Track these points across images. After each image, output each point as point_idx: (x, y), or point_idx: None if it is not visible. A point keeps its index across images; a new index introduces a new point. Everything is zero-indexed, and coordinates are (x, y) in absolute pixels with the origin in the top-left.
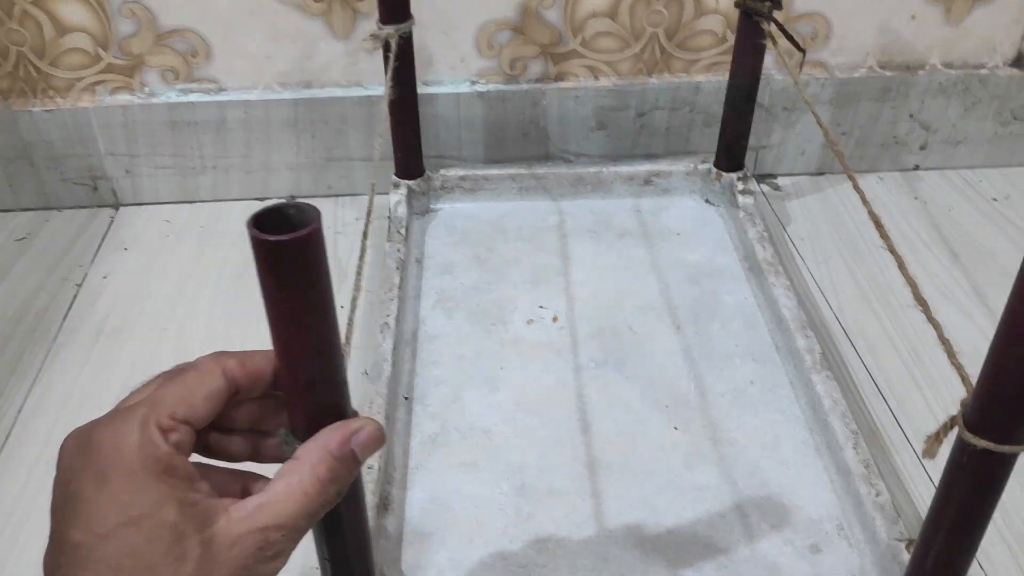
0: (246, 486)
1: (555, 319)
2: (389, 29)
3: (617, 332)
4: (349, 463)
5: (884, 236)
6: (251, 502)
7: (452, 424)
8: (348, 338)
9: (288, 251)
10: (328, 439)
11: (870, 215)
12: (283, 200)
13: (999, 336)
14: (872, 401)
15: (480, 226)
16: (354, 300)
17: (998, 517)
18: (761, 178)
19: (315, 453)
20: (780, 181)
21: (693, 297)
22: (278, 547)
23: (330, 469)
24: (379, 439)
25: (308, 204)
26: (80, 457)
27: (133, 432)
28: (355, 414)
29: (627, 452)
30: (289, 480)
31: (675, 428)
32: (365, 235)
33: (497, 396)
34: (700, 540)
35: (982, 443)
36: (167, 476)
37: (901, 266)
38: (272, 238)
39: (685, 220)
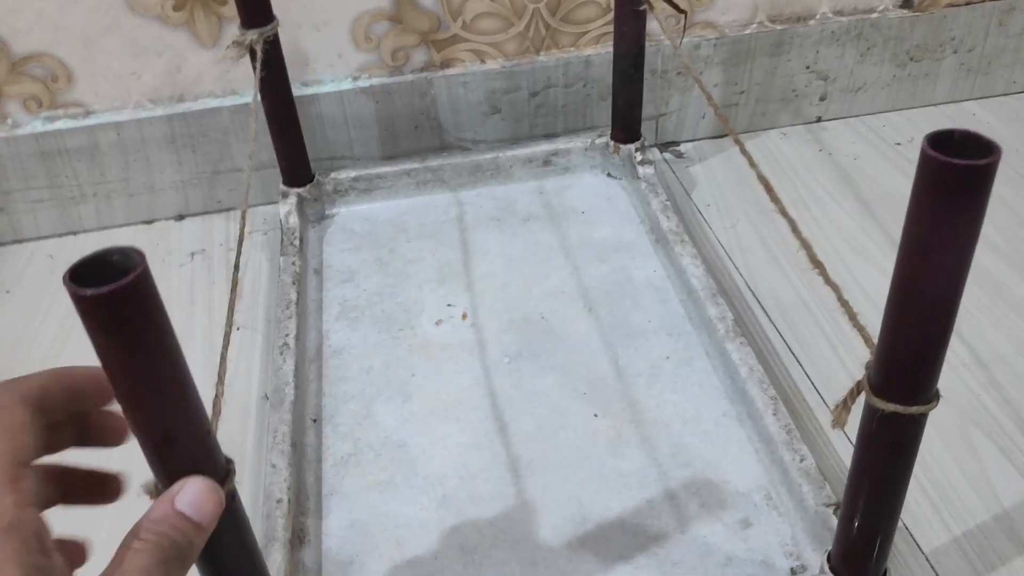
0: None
1: (464, 316)
2: (252, 34)
3: (529, 322)
4: (185, 528)
5: (775, 200)
6: None
7: (365, 442)
8: (221, 376)
9: (112, 303)
10: (152, 510)
11: (759, 179)
12: (106, 248)
13: (892, 294)
14: (789, 365)
15: (379, 227)
16: (227, 336)
17: (919, 472)
18: (664, 146)
19: (144, 524)
20: (683, 147)
21: (603, 276)
22: None
23: (159, 538)
24: (205, 490)
25: (133, 248)
26: None
27: None
28: (228, 462)
29: (548, 447)
30: (124, 556)
31: (595, 415)
32: (236, 267)
33: (410, 406)
34: (629, 529)
35: (889, 407)
36: (12, 533)
37: (795, 230)
38: (90, 292)
39: (589, 197)
